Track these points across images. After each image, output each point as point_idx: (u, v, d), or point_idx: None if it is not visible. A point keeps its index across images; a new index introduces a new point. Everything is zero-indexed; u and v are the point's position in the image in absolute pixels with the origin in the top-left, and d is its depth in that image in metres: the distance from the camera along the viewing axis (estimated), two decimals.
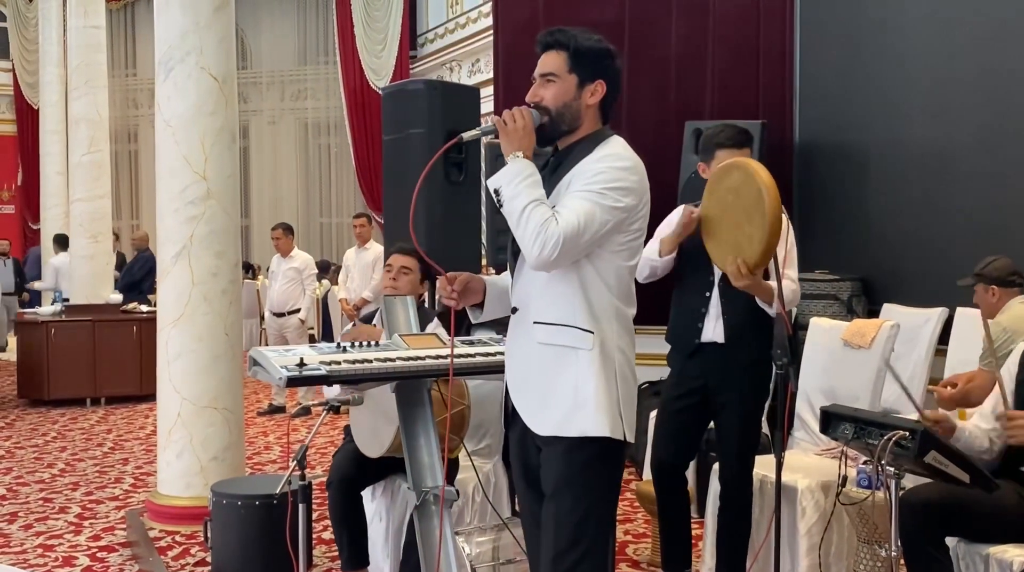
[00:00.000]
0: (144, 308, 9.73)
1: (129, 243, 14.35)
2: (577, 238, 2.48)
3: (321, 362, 3.02)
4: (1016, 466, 3.16)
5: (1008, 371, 3.32)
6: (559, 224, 2.47)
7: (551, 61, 2.63)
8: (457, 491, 3.38)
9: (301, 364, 2.97)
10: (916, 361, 5.22)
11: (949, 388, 3.52)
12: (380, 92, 14.08)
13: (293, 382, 2.94)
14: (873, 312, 5.68)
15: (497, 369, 3.29)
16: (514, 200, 2.52)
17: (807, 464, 4.13)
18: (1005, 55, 5.16)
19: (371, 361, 3.09)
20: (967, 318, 5.11)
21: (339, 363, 3.04)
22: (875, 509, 3.54)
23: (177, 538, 4.92)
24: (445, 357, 3.18)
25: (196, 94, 4.98)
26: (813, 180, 6.37)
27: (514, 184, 2.53)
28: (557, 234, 2.46)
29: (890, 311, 5.48)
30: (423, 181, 2.78)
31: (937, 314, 5.23)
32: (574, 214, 2.48)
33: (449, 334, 3.01)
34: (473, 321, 2.88)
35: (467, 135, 2.71)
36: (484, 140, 2.82)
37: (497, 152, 5.85)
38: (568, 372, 2.57)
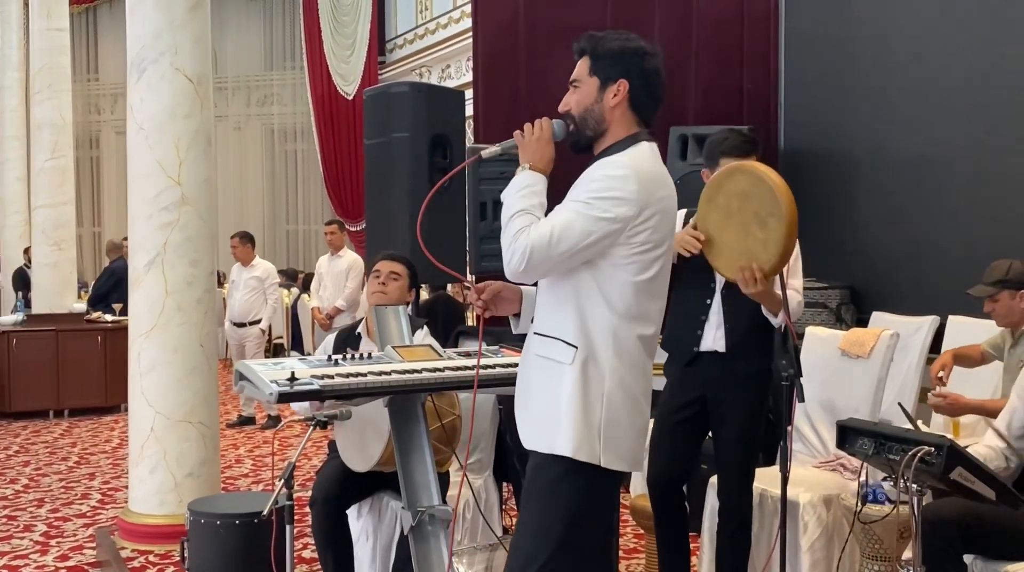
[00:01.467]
0: (109, 317, 9.48)
1: (95, 251, 14.06)
2: (548, 249, 2.42)
3: (313, 376, 2.87)
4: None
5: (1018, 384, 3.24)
6: (529, 235, 2.43)
7: (577, 67, 2.59)
8: (452, 509, 3.23)
9: (292, 378, 2.81)
10: (907, 370, 5.14)
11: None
12: (348, 98, 14.05)
13: (285, 398, 2.79)
14: (862, 320, 5.62)
15: (495, 382, 3.17)
16: (506, 210, 2.51)
17: (807, 477, 4.03)
18: (992, 63, 5.13)
19: (365, 375, 2.94)
20: (958, 326, 5.06)
21: (332, 377, 2.89)
22: (880, 524, 3.45)
23: (151, 558, 4.73)
24: (442, 370, 3.05)
25: (170, 96, 4.80)
26: (798, 187, 6.22)
27: (510, 195, 2.52)
28: (524, 245, 2.43)
29: (879, 319, 5.42)
30: (435, 191, 2.74)
31: (928, 322, 5.16)
32: (548, 225, 2.44)
33: (447, 344, 2.89)
34: (514, 331, 2.79)
35: (486, 153, 2.65)
36: (492, 151, 2.66)
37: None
38: (550, 386, 2.51)
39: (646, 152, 2.54)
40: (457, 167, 2.80)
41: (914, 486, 2.60)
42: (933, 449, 2.56)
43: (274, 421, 8.55)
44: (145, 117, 4.82)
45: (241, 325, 8.67)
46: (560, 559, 2.49)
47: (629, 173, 2.44)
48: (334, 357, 3.08)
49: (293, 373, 2.82)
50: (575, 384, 2.46)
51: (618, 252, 2.46)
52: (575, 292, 2.50)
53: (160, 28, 4.79)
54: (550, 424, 2.49)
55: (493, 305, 2.69)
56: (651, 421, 2.61)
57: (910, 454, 2.56)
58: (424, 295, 8.20)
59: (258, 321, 8.71)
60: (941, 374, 4.10)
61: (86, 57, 16.34)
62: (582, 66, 2.57)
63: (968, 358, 4.18)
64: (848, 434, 2.87)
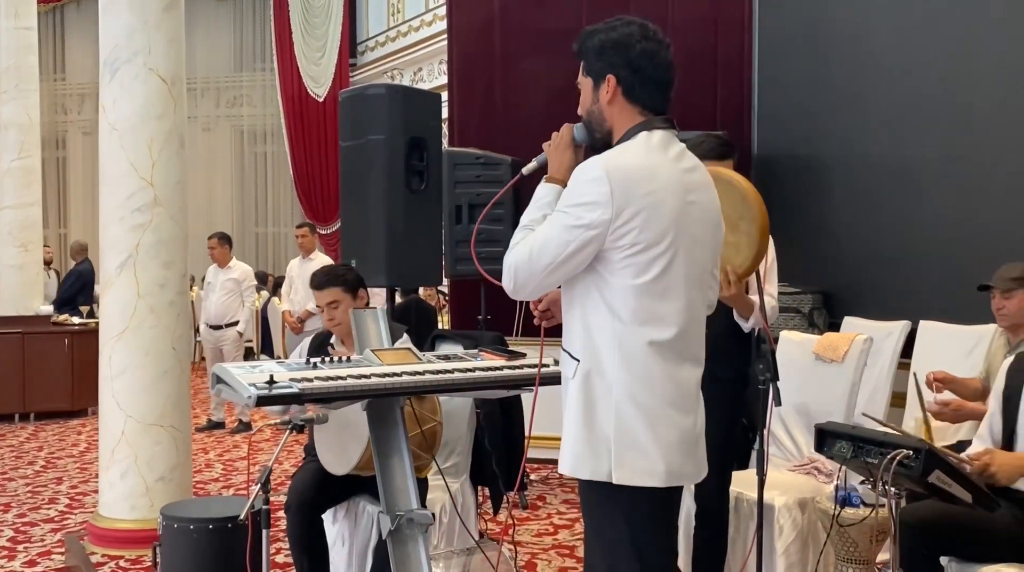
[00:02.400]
0: (76, 320, 9.36)
1: (60, 252, 13.88)
2: (529, 265, 2.36)
3: (292, 379, 2.83)
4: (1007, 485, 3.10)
5: (996, 386, 3.28)
6: (513, 252, 2.40)
7: (580, 70, 2.51)
8: (433, 514, 3.22)
9: (271, 382, 2.78)
10: (879, 374, 5.17)
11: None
12: (319, 99, 13.98)
13: (263, 401, 2.76)
14: (834, 325, 5.66)
15: (473, 386, 3.15)
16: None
17: (782, 481, 4.05)
18: (965, 69, 5.17)
19: (344, 378, 2.92)
20: (929, 332, 5.10)
21: (311, 380, 2.86)
22: (855, 527, 3.48)
23: (121, 563, 4.67)
24: (421, 373, 3.03)
25: (144, 96, 4.76)
26: (772, 192, 6.30)
27: (527, 210, 2.48)
28: (509, 263, 2.40)
29: (851, 324, 5.45)
30: (488, 208, 2.72)
31: (900, 327, 5.20)
32: (527, 241, 2.38)
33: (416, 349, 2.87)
34: None
35: (526, 170, 2.62)
36: (530, 168, 2.63)
37: (456, 161, 5.75)
38: (567, 403, 2.42)
39: (638, 146, 2.39)
40: (504, 189, 2.74)
41: (892, 489, 2.62)
42: (912, 452, 2.58)
43: (244, 426, 8.48)
44: (118, 117, 4.77)
45: (217, 328, 8.59)
46: None
47: (601, 174, 2.30)
48: (313, 360, 3.06)
49: (272, 376, 2.79)
50: (576, 399, 2.38)
51: (611, 256, 2.33)
52: (579, 301, 2.41)
53: (134, 28, 4.74)
54: (563, 443, 2.41)
55: (555, 310, 2.59)
56: (695, 428, 2.43)
57: (889, 457, 2.57)
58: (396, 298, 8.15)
59: (235, 323, 8.64)
60: (939, 377, 4.07)
61: (53, 57, 16.13)
62: (580, 68, 2.50)
63: (966, 388, 4.07)
64: (826, 437, 2.89)
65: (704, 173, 2.52)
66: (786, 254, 6.21)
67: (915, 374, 4.17)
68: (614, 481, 2.33)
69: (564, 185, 2.44)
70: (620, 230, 2.31)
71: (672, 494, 2.44)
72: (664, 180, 2.35)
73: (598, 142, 2.50)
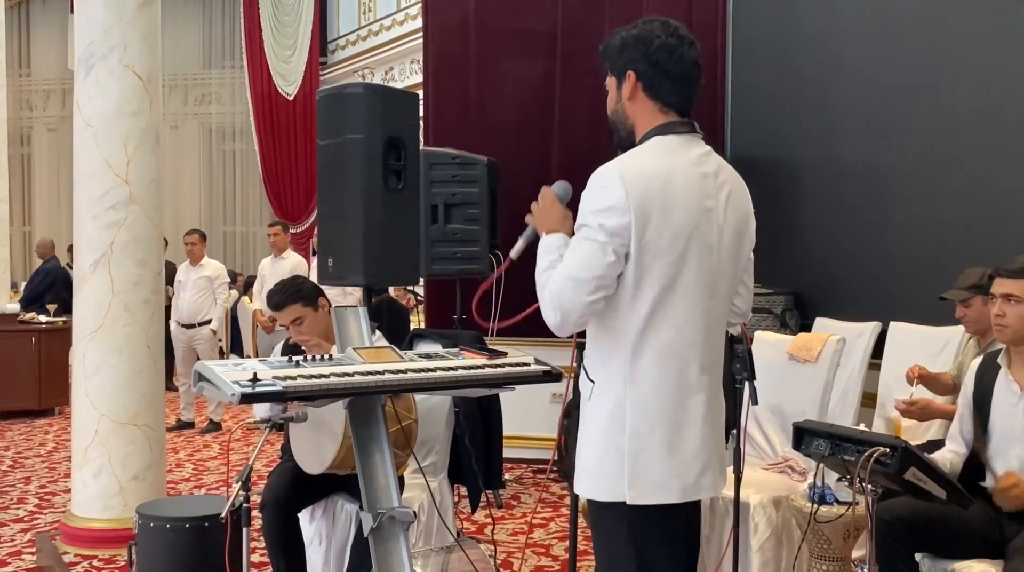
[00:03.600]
0: (43, 318, 9.26)
1: (25, 250, 13.72)
2: (575, 287, 2.27)
3: (275, 377, 2.83)
4: (976, 481, 3.16)
5: (965, 388, 3.34)
6: (549, 285, 2.32)
7: (606, 73, 2.49)
8: (415, 512, 3.23)
9: (255, 379, 2.78)
10: (850, 374, 5.24)
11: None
12: (289, 98, 13.91)
13: (248, 399, 2.74)
14: (806, 326, 5.72)
15: (455, 384, 3.16)
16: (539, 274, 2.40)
17: (756, 479, 4.10)
18: (937, 73, 5.25)
19: (327, 376, 2.92)
20: (900, 333, 5.18)
21: (294, 378, 2.86)
22: (828, 524, 3.53)
23: (95, 562, 4.64)
24: (404, 371, 3.03)
25: (119, 93, 4.73)
26: None
27: (539, 261, 2.41)
28: (549, 294, 2.32)
29: (823, 325, 5.52)
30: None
31: (871, 328, 5.27)
32: (563, 266, 2.31)
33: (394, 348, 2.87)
34: None
35: (514, 252, 2.59)
36: (518, 248, 2.60)
37: (432, 161, 5.76)
38: (583, 423, 2.41)
39: (651, 149, 2.35)
40: (491, 277, 2.71)
41: (869, 486, 2.66)
42: (888, 450, 2.62)
43: (214, 426, 8.43)
44: (92, 114, 4.73)
45: (190, 326, 8.52)
46: None
47: (613, 178, 2.27)
48: (296, 358, 3.05)
49: (255, 374, 2.79)
50: (592, 420, 2.35)
51: (627, 264, 2.28)
52: (595, 320, 2.35)
53: (109, 24, 4.71)
54: (578, 464, 2.40)
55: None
56: (712, 437, 2.38)
57: (866, 455, 2.62)
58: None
59: (208, 322, 8.58)
60: (919, 373, 4.12)
61: (18, 53, 15.95)
62: (606, 70, 2.48)
63: (939, 384, 4.16)
64: (804, 435, 2.93)
65: (728, 175, 2.44)
66: (759, 255, 6.29)
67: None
68: (628, 501, 2.30)
69: (567, 232, 2.41)
70: (636, 235, 2.26)
71: (687, 510, 2.40)
72: (679, 185, 2.30)
73: (623, 141, 2.46)
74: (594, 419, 2.36)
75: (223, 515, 2.99)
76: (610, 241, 2.25)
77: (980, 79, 5.03)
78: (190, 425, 8.58)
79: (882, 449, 2.62)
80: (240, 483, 3.11)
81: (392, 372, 3.02)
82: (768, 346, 4.51)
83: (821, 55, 5.94)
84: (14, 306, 9.66)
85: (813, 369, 4.26)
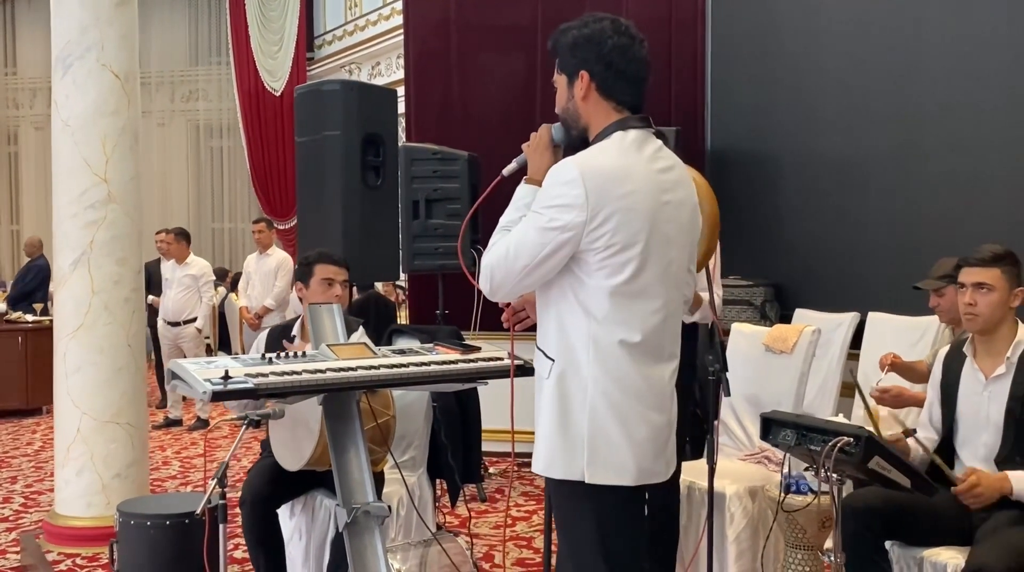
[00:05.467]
0: (30, 317, 9.26)
1: (13, 249, 13.69)
2: (507, 267, 2.36)
3: (247, 374, 2.85)
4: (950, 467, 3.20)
5: (933, 376, 3.37)
6: (490, 254, 2.40)
7: (555, 68, 2.50)
8: (390, 507, 3.25)
9: (226, 377, 2.80)
10: (829, 365, 5.28)
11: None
12: (276, 94, 13.90)
13: (218, 397, 2.77)
14: (786, 317, 5.76)
15: (427, 379, 3.19)
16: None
17: (733, 470, 4.13)
18: (914, 67, 5.30)
19: (299, 373, 2.94)
20: (878, 323, 5.23)
21: (266, 375, 2.88)
22: (803, 514, 3.56)
23: (78, 560, 4.65)
24: (377, 368, 3.06)
25: (97, 92, 4.73)
26: (726, 187, 6.41)
27: (507, 210, 2.48)
28: (485, 264, 2.40)
29: (803, 316, 5.56)
30: (473, 211, 2.67)
31: (849, 319, 5.31)
32: (504, 242, 2.38)
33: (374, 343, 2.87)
34: None
35: (506, 171, 2.61)
36: (510, 169, 2.63)
37: (413, 157, 5.78)
38: (540, 403, 2.44)
39: (612, 146, 2.38)
40: (485, 192, 2.73)
41: (834, 476, 2.69)
42: (852, 439, 2.65)
43: (202, 423, 8.44)
44: (71, 114, 4.73)
45: (175, 324, 8.53)
46: None
47: (576, 177, 2.29)
48: (268, 355, 3.08)
49: (227, 372, 2.81)
50: (551, 398, 2.38)
51: (587, 258, 2.33)
52: (554, 302, 2.41)
53: (86, 24, 4.71)
54: (537, 442, 2.43)
55: (530, 310, 2.57)
56: (667, 426, 2.44)
57: (830, 444, 2.65)
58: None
59: (193, 319, 8.58)
60: (892, 361, 4.16)
61: (4, 51, 15.90)
62: (556, 66, 2.49)
63: (914, 372, 4.19)
64: (771, 426, 2.96)
65: (681, 171, 2.50)
66: (739, 247, 6.36)
67: (852, 371, 4.27)
68: (587, 480, 2.34)
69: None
70: (595, 232, 2.30)
71: (641, 493, 2.45)
72: (639, 181, 2.35)
73: (575, 139, 2.49)
74: (552, 398, 2.39)
75: (198, 511, 3.02)
76: (556, 237, 2.31)
77: (955, 73, 5.07)
78: (178, 423, 8.59)
79: (846, 439, 2.65)
80: (216, 480, 3.13)
81: (365, 368, 3.04)
82: (744, 338, 4.54)
83: (799, 49, 5.98)
84: (0, 305, 9.64)
85: (789, 360, 4.29)
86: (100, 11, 4.72)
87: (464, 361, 3.19)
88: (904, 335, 4.98)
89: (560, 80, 2.48)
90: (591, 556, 2.39)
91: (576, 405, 2.36)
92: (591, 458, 2.34)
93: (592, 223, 2.29)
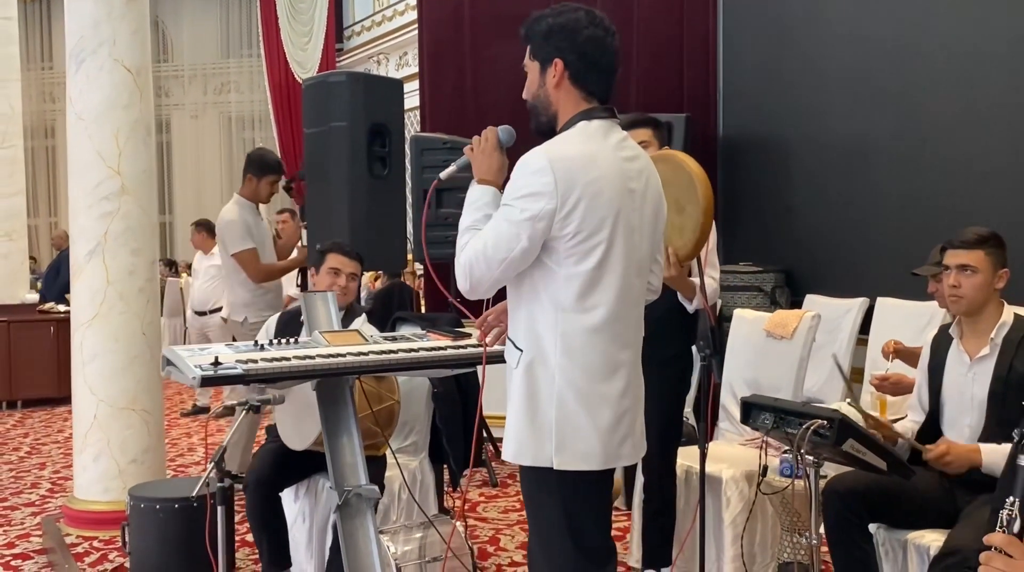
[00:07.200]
0: (61, 308, 9.46)
1: (45, 242, 13.95)
2: (486, 262, 2.38)
3: (237, 361, 2.93)
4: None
5: (922, 359, 3.38)
6: (466, 252, 2.42)
7: (526, 54, 2.54)
8: (382, 487, 3.32)
9: (216, 363, 2.88)
10: (838, 350, 5.29)
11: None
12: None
13: (208, 382, 2.86)
14: (796, 303, 5.76)
15: (415, 365, 3.25)
16: (459, 234, 2.48)
17: (731, 454, 4.16)
18: (924, 53, 5.27)
19: (289, 359, 3.02)
20: (886, 308, 5.22)
21: (256, 361, 2.96)
22: (797, 498, 3.58)
23: (95, 544, 4.78)
24: (366, 354, 3.13)
25: (109, 86, 4.84)
26: (736, 173, 6.44)
27: (464, 214, 2.50)
28: (464, 262, 2.42)
29: (812, 302, 5.56)
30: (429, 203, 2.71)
31: (858, 304, 5.31)
32: (479, 240, 2.41)
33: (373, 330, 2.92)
34: None
35: (444, 174, 2.65)
36: (449, 172, 2.68)
37: (423, 146, 5.84)
38: (511, 392, 2.49)
39: (578, 134, 2.43)
40: (428, 195, 2.78)
41: (810, 457, 2.72)
42: (826, 422, 2.68)
43: (228, 410, 8.55)
44: (84, 108, 4.85)
45: (201, 313, 8.68)
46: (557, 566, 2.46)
47: (544, 165, 2.34)
48: (260, 342, 3.16)
49: (217, 358, 2.89)
50: (520, 388, 2.43)
51: (556, 245, 2.37)
52: (523, 292, 2.45)
53: (98, 19, 4.82)
54: (507, 430, 2.47)
55: (504, 319, 2.61)
56: (632, 410, 2.48)
57: (804, 427, 2.68)
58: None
59: (219, 309, 8.71)
60: (895, 348, 4.16)
61: (39, 46, 16.20)
62: (526, 52, 2.52)
63: (916, 358, 4.19)
64: (751, 409, 2.99)
65: (645, 160, 2.55)
66: (749, 233, 6.37)
67: (835, 356, 4.26)
68: (555, 467, 2.40)
69: (497, 186, 2.50)
70: (564, 219, 2.35)
71: (607, 476, 2.53)
72: (604, 168, 2.39)
73: (543, 126, 2.53)
74: (521, 387, 2.44)
75: (194, 494, 3.10)
76: (529, 227, 2.35)
77: (964, 58, 5.04)
78: (205, 410, 8.74)
79: (820, 421, 2.68)
80: (214, 463, 3.22)
81: (354, 354, 3.12)
82: (746, 323, 4.56)
83: (810, 37, 5.96)
84: (33, 296, 9.87)
85: (789, 345, 4.30)
86: (112, 7, 4.83)
87: (453, 348, 3.26)
88: (913, 320, 4.96)
89: (532, 67, 2.52)
90: (559, 537, 2.45)
91: (544, 394, 2.40)
92: (559, 445, 2.39)
93: (563, 210, 2.34)
